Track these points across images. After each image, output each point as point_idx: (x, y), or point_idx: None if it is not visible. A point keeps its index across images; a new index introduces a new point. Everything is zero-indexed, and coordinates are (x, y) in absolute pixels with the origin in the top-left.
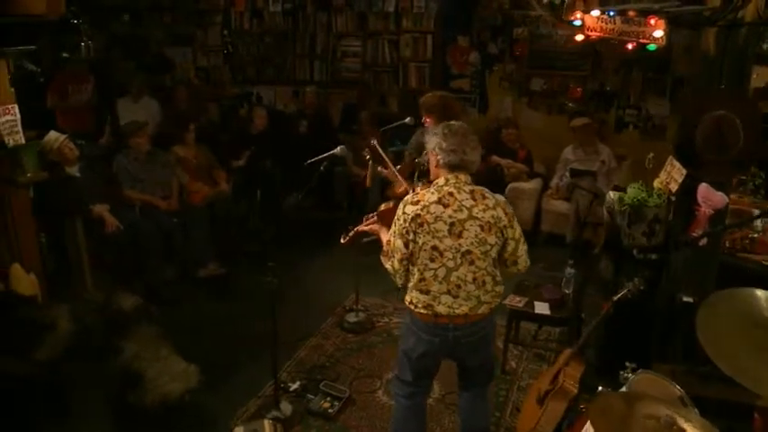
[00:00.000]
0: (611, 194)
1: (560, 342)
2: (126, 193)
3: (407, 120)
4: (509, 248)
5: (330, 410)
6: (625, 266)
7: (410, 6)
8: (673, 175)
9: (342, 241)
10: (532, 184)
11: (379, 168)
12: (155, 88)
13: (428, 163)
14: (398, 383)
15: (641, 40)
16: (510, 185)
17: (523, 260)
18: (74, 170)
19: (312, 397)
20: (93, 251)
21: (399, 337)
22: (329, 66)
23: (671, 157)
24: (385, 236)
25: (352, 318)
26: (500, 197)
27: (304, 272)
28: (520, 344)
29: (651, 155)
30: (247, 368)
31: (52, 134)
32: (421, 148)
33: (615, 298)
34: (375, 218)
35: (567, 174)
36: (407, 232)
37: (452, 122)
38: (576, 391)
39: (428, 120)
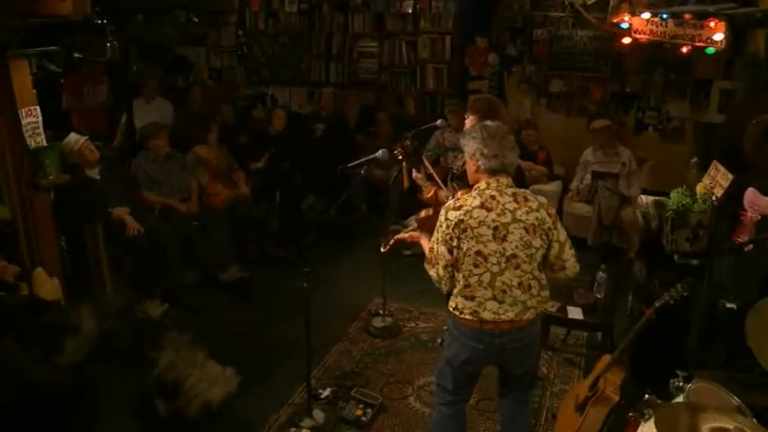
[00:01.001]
0: (644, 198)
1: (590, 347)
2: (145, 195)
3: (438, 122)
4: (554, 251)
5: (363, 418)
6: (659, 271)
7: (428, 7)
8: (718, 179)
9: (382, 250)
10: (553, 187)
11: (414, 174)
12: (167, 89)
13: (462, 167)
14: (440, 391)
15: (697, 44)
16: (530, 188)
17: (572, 264)
18: (94, 172)
19: (344, 404)
20: (112, 255)
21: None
22: (345, 67)
23: (715, 161)
24: (426, 243)
25: (378, 322)
26: (543, 199)
27: (325, 276)
28: (549, 348)
29: (695, 159)
30: (275, 374)
31: (72, 136)
32: (439, 150)
33: (658, 304)
34: (415, 225)
35: (588, 176)
36: (451, 238)
37: (489, 123)
38: (617, 398)
39: (470, 117)
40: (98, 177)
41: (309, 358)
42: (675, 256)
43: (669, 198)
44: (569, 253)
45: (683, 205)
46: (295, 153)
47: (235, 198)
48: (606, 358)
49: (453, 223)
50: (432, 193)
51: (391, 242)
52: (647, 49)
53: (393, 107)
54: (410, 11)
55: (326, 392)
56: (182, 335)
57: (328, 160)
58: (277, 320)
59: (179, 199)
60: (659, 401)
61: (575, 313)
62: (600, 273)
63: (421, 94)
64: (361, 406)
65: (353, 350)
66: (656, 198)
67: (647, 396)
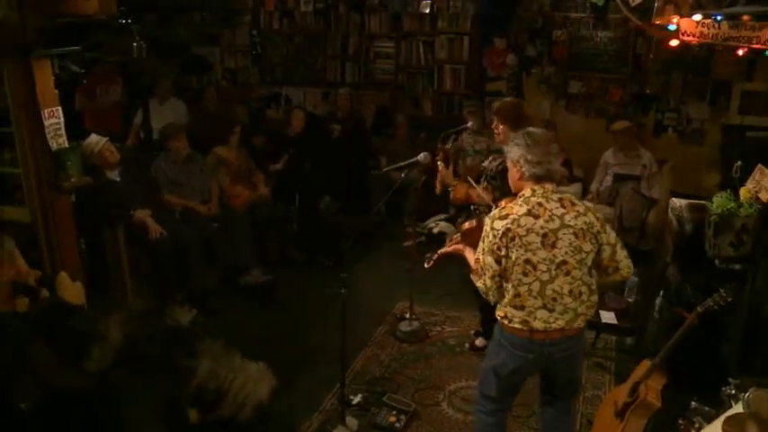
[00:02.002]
0: (676, 201)
1: (619, 350)
2: (165, 197)
3: (470, 124)
4: (605, 254)
5: (397, 425)
6: (693, 275)
7: (446, 7)
8: (763, 183)
9: (426, 266)
10: (572, 189)
11: (441, 170)
12: (181, 89)
13: (497, 168)
14: (482, 400)
15: (755, 46)
16: None
17: (625, 265)
18: (114, 174)
19: (377, 411)
20: (131, 258)
21: (488, 353)
22: (361, 67)
23: (760, 165)
24: (470, 255)
25: (405, 327)
26: (588, 203)
27: (347, 278)
28: None
29: (739, 163)
30: (303, 380)
31: (93, 137)
32: (460, 152)
33: (701, 309)
34: (458, 237)
35: (609, 178)
36: (498, 248)
37: (532, 130)
38: (659, 404)
39: (500, 127)
40: (118, 179)
41: (343, 365)
42: (716, 261)
43: (712, 202)
44: (622, 254)
45: (727, 210)
46: (313, 154)
47: (256, 200)
48: (645, 364)
49: (500, 232)
50: (462, 192)
51: (435, 257)
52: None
53: (410, 108)
54: (427, 11)
55: (358, 398)
56: (215, 341)
57: (345, 161)
58: (301, 324)
59: (200, 201)
60: (706, 409)
61: (608, 317)
62: (632, 276)
63: (438, 95)
64: (394, 412)
65: (381, 355)
66: (692, 201)
67: (693, 404)
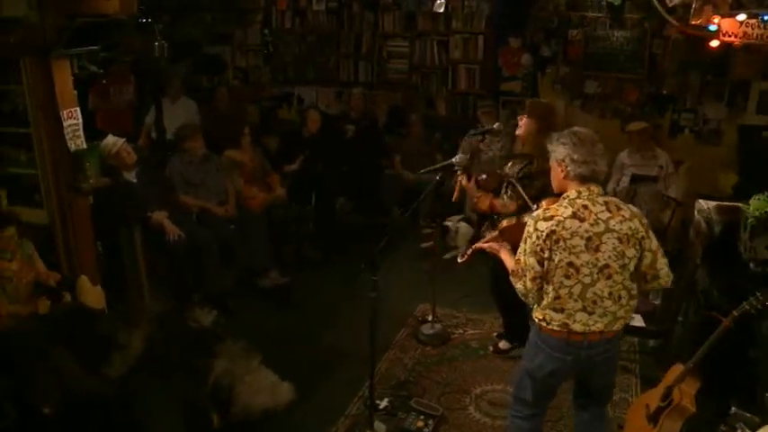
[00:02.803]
0: (703, 203)
1: (642, 353)
2: (182, 199)
3: (495, 125)
4: (646, 261)
5: (425, 430)
6: (722, 278)
7: (461, 6)
8: None
9: (459, 260)
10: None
11: (464, 183)
12: (192, 89)
13: (519, 173)
14: (517, 404)
15: None
16: None
17: (665, 273)
18: (131, 175)
19: (404, 415)
20: (147, 260)
21: (524, 356)
22: (375, 66)
23: None
24: (506, 255)
25: (427, 329)
26: (634, 208)
27: (365, 280)
28: None
29: None
30: (326, 384)
31: (110, 138)
32: (475, 153)
33: (737, 313)
34: (496, 234)
35: (626, 179)
36: (541, 249)
37: (578, 129)
38: (693, 409)
39: (524, 119)
40: (135, 180)
41: (372, 369)
42: (752, 264)
43: (749, 205)
44: (662, 261)
45: (766, 212)
46: (329, 155)
47: (272, 201)
48: (677, 368)
49: (544, 234)
50: (486, 203)
51: (469, 252)
52: (683, 49)
53: (423, 108)
54: (441, 10)
55: (384, 403)
56: (235, 342)
57: (359, 161)
58: (320, 327)
59: (216, 202)
60: (748, 415)
61: (636, 320)
62: None
63: (452, 95)
64: (422, 417)
65: (404, 358)
66: (720, 203)
67: (734, 409)
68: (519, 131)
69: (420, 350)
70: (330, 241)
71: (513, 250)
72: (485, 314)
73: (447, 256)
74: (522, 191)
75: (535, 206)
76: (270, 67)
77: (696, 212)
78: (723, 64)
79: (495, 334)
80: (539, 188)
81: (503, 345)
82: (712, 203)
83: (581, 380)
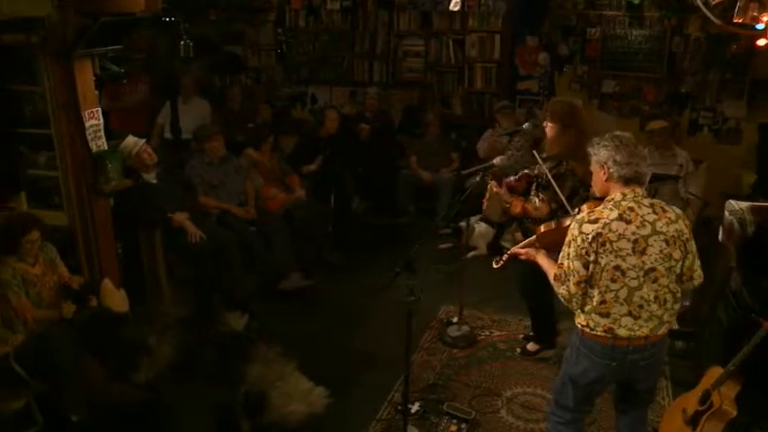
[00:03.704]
0: (734, 203)
1: (671, 355)
2: (202, 200)
3: (525, 126)
4: (687, 263)
5: None
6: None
7: (477, 5)
8: None
9: (495, 266)
10: None
11: (496, 189)
12: (205, 88)
13: (545, 177)
14: (558, 409)
15: None
16: None
17: (699, 274)
18: (151, 177)
19: (436, 419)
20: (167, 262)
21: (565, 361)
22: (390, 66)
23: None
24: (544, 259)
25: (454, 331)
26: (678, 210)
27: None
28: None
29: None
30: (355, 388)
31: (130, 139)
32: (494, 154)
33: None
34: (534, 239)
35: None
36: (587, 253)
37: (619, 133)
38: (735, 412)
39: (549, 125)
40: (155, 181)
41: (408, 374)
42: None
43: None
44: (697, 263)
45: None
46: (346, 155)
47: (292, 203)
48: (716, 370)
49: (590, 237)
50: (519, 207)
51: (504, 258)
52: (704, 48)
53: (439, 107)
54: (457, 8)
55: (416, 407)
56: (270, 347)
57: (375, 162)
58: (345, 330)
59: (236, 204)
60: None
61: None
62: None
63: (468, 94)
64: (454, 421)
65: (432, 361)
66: (753, 204)
67: None
68: (547, 134)
69: (447, 352)
70: (349, 242)
71: (550, 255)
72: (509, 315)
73: (467, 256)
74: (558, 191)
75: (576, 210)
76: (283, 66)
77: (727, 213)
78: (744, 62)
79: (521, 336)
80: (570, 188)
81: (531, 347)
82: (744, 204)
83: (624, 385)
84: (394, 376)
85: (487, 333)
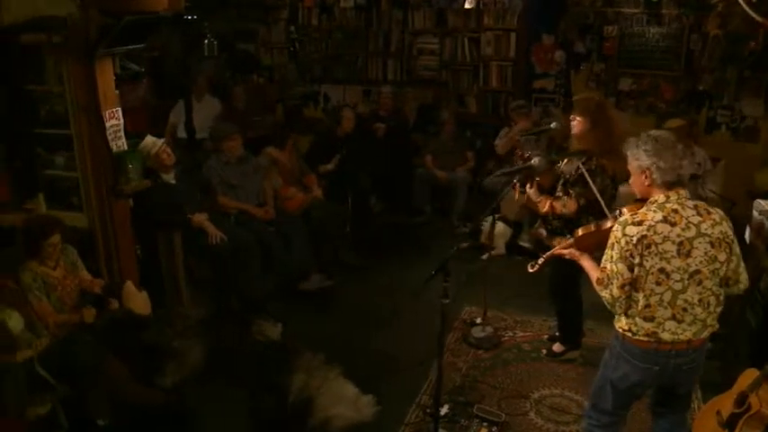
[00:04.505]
0: (762, 203)
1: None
2: (220, 200)
3: (553, 125)
4: (732, 265)
5: None
6: None
7: (492, 2)
8: None
9: (530, 270)
10: (626, 188)
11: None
12: (216, 87)
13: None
14: (595, 413)
15: None
16: None
17: (745, 278)
18: (170, 177)
19: (466, 422)
20: (186, 264)
21: (604, 365)
22: (404, 64)
23: None
24: (588, 261)
25: (478, 332)
26: (721, 211)
27: (404, 282)
28: None
29: None
30: (381, 391)
31: (149, 139)
32: (510, 150)
33: None
34: (572, 242)
35: None
36: (632, 255)
37: (657, 133)
38: None
39: (577, 119)
40: (173, 182)
41: (440, 378)
42: None
43: None
44: (743, 266)
45: None
46: (363, 154)
47: (311, 202)
48: (752, 372)
49: (635, 239)
50: (547, 205)
51: (541, 261)
52: (723, 46)
53: (454, 106)
54: (472, 6)
55: (445, 410)
56: (314, 356)
57: (391, 161)
58: (367, 331)
59: (254, 204)
60: None
61: None
62: None
63: (483, 93)
64: (485, 424)
65: (458, 363)
66: None
67: None
68: (574, 131)
69: (472, 354)
70: (366, 242)
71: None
72: (532, 316)
73: (484, 256)
74: (594, 188)
75: (617, 211)
76: (296, 64)
77: (756, 212)
78: (763, 60)
79: (545, 336)
80: (600, 185)
81: (557, 347)
82: None
83: (664, 388)
84: (419, 378)
85: (511, 334)
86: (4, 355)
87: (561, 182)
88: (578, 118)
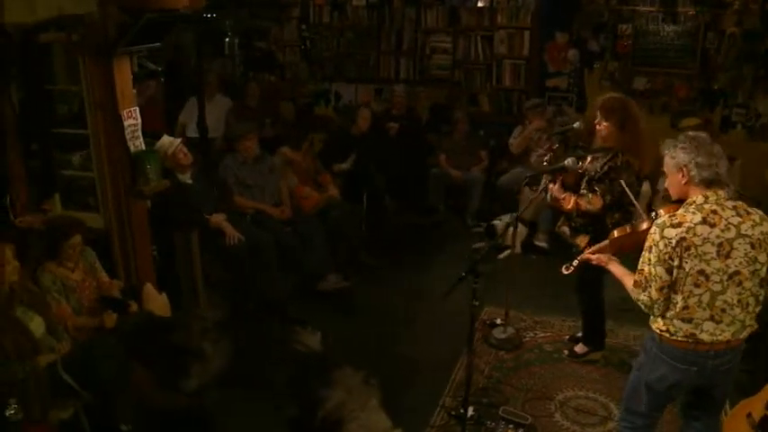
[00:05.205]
0: None
1: None
2: (237, 200)
3: (576, 124)
4: None
5: None
6: None
7: (506, 0)
8: None
9: (565, 272)
10: (643, 187)
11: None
12: (228, 85)
13: (599, 171)
14: (628, 415)
15: None
16: None
17: None
18: (186, 177)
19: (492, 424)
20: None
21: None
22: (417, 63)
23: None
24: (617, 267)
25: (499, 333)
26: (759, 210)
27: (421, 282)
28: None
29: None
30: (405, 394)
31: (165, 139)
32: (526, 150)
33: None
34: (607, 244)
35: None
36: (671, 258)
37: (695, 133)
38: None
39: (603, 124)
40: (190, 182)
41: (469, 379)
42: None
43: None
44: None
45: None
46: (378, 153)
47: (327, 202)
48: None
49: (674, 242)
50: (572, 202)
51: (575, 264)
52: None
53: (467, 105)
54: (485, 4)
55: (471, 412)
56: (355, 372)
57: (405, 160)
58: (387, 332)
59: (271, 204)
60: None
61: None
62: None
63: (496, 92)
64: (511, 426)
65: (480, 364)
66: None
67: None
68: (601, 134)
69: (494, 355)
70: (382, 242)
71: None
72: (551, 316)
73: (501, 256)
74: (627, 189)
75: (653, 213)
76: (307, 63)
77: None
78: None
79: (566, 337)
80: (626, 181)
81: (579, 348)
82: None
83: (700, 391)
84: (441, 380)
85: (532, 335)
86: (27, 359)
87: (586, 179)
88: (604, 122)
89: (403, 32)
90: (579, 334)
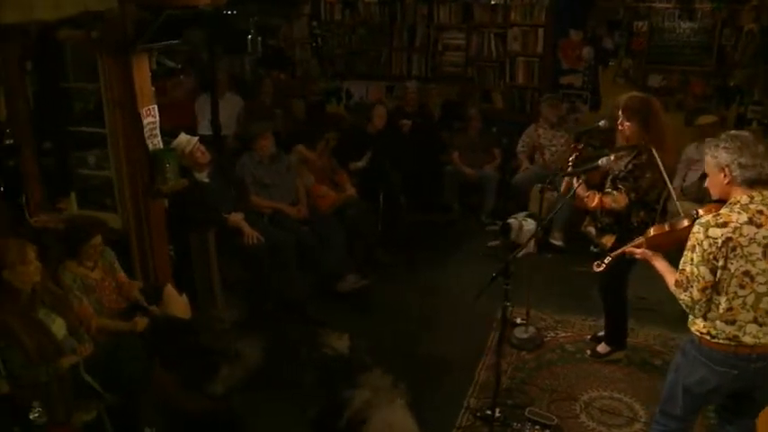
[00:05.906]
0: None
1: None
2: (254, 199)
3: (601, 123)
4: None
5: None
6: None
7: None
8: None
9: (596, 269)
10: None
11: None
12: (239, 83)
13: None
14: (663, 418)
15: None
16: None
17: None
18: (203, 176)
19: (518, 425)
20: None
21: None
22: (429, 60)
23: None
24: (662, 263)
25: (520, 333)
26: None
27: (439, 282)
28: None
29: None
30: (429, 395)
31: (182, 137)
32: (537, 147)
33: None
34: (643, 241)
35: (693, 174)
36: (715, 258)
37: (737, 133)
38: None
39: (626, 124)
40: (207, 181)
41: (498, 381)
42: None
43: None
44: None
45: None
46: (393, 151)
47: (344, 200)
48: None
49: (719, 242)
50: (597, 201)
51: (608, 259)
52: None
53: (479, 102)
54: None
55: (496, 413)
56: (383, 375)
57: (419, 158)
58: (408, 332)
59: (287, 203)
60: None
61: None
62: None
63: (510, 89)
64: (537, 427)
65: (502, 364)
66: None
67: None
68: (622, 137)
69: (515, 355)
70: (397, 240)
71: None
72: (571, 315)
73: (519, 254)
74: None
75: (694, 212)
76: (318, 60)
77: None
78: None
79: (588, 337)
80: (650, 180)
81: (601, 348)
82: None
83: (739, 393)
84: (464, 380)
85: (553, 334)
86: (50, 361)
87: (610, 177)
88: (626, 123)
89: (415, 29)
90: (601, 333)
